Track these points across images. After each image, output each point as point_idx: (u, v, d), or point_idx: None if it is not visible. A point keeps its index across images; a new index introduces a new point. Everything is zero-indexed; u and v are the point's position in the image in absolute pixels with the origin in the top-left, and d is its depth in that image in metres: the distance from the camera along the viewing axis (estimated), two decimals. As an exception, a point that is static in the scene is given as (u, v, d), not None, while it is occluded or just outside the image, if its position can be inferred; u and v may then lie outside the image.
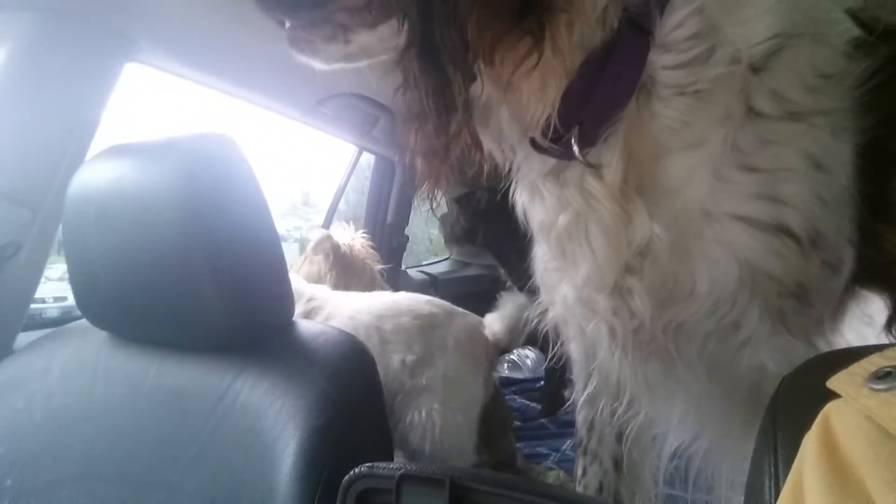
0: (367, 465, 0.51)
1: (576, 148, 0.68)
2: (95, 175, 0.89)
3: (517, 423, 2.17)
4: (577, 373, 1.02)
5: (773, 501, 0.46)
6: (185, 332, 0.88)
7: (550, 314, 0.88)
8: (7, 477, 0.89)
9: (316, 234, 1.94)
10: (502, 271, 2.68)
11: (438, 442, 1.37)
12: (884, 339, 0.73)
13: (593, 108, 0.66)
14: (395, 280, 2.51)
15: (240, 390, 0.79)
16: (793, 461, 0.42)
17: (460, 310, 1.61)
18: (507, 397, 2.34)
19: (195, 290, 0.83)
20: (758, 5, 0.65)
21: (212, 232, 0.83)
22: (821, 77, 0.66)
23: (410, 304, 1.53)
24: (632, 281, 0.72)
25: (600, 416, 1.00)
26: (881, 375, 0.38)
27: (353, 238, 2.02)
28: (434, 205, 0.83)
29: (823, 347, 0.73)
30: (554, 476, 1.68)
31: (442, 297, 2.44)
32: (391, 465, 0.50)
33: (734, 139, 0.65)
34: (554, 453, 1.94)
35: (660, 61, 0.65)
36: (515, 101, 0.68)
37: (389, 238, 2.45)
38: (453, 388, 1.43)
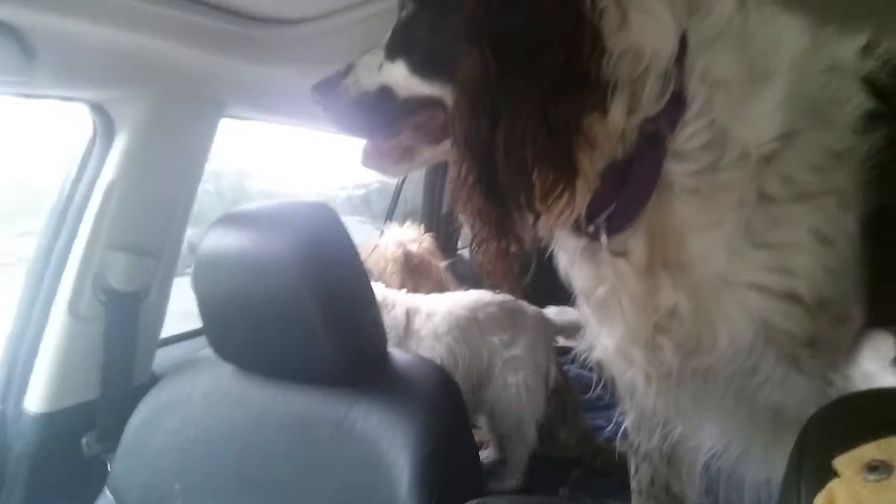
0: (477, 500, 0.68)
1: (604, 240, 0.80)
2: (224, 240, 1.06)
3: (576, 394, 2.34)
4: (620, 398, 1.16)
5: None
6: (301, 367, 1.07)
7: (594, 354, 1.00)
8: (176, 482, 1.11)
9: (388, 243, 2.12)
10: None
11: (528, 398, 1.74)
12: (890, 373, 0.83)
13: (619, 206, 0.77)
14: (451, 265, 2.68)
15: (355, 420, 0.98)
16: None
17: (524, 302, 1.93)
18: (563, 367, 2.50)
19: (309, 332, 1.01)
20: (765, 106, 0.72)
21: (320, 285, 1.00)
22: (830, 156, 0.73)
23: (491, 297, 1.85)
24: (661, 338, 0.83)
25: (647, 422, 1.15)
26: (872, 468, 0.43)
27: (419, 243, 2.19)
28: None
29: (839, 381, 0.81)
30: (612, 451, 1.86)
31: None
32: (497, 502, 0.68)
33: (747, 221, 0.74)
34: (610, 424, 2.10)
35: (676, 169, 0.75)
36: (553, 216, 0.76)
37: (445, 226, 2.62)
38: (534, 357, 1.79)
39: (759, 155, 0.72)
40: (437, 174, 2.59)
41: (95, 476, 1.20)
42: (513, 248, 0.80)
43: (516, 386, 1.74)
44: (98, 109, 1.25)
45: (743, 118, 0.73)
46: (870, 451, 0.46)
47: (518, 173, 0.71)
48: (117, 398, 1.28)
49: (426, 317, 1.79)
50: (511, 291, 0.89)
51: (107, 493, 1.15)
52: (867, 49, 0.78)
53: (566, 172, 0.71)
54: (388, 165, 0.93)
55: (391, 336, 1.74)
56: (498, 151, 0.71)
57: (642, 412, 1.09)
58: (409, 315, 1.79)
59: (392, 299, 1.82)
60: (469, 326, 1.77)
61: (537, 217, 0.74)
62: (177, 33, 1.12)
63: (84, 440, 1.25)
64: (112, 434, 1.21)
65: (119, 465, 1.17)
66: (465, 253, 3.13)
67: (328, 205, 1.07)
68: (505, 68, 0.70)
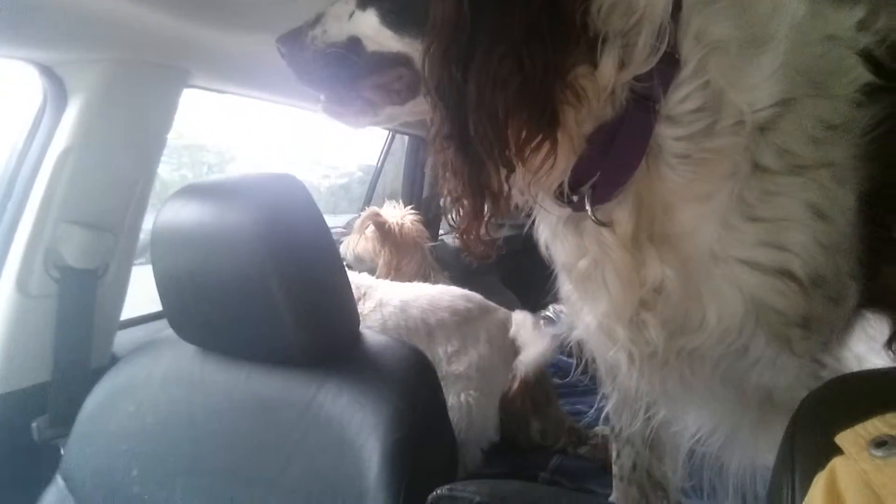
0: (447, 487, 0.64)
1: (588, 208, 0.76)
2: (181, 213, 1.00)
3: (555, 380, 2.31)
4: (602, 380, 1.12)
5: None
6: (266, 348, 1.01)
7: (575, 333, 0.97)
8: (133, 468, 1.06)
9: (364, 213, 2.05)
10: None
11: (471, 423, 1.57)
12: (884, 356, 0.81)
13: (605, 173, 0.73)
14: (433, 249, 2.64)
15: (322, 402, 0.93)
16: (809, 482, 0.47)
17: (492, 305, 1.79)
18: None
19: (273, 311, 0.95)
20: (762, 71, 0.69)
21: (286, 261, 0.95)
22: (827, 128, 0.70)
23: (450, 300, 1.71)
24: (646, 315, 0.79)
25: (630, 405, 1.11)
26: (879, 443, 0.42)
27: (402, 216, 2.12)
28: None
29: (831, 363, 0.80)
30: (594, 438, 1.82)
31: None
32: (469, 489, 0.63)
33: (740, 193, 0.71)
34: (591, 410, 2.07)
35: (667, 133, 0.71)
36: (531, 171, 0.73)
37: (426, 211, 2.56)
38: (485, 377, 1.62)
39: (754, 122, 0.69)
40: (416, 158, 2.53)
41: (47, 462, 1.13)
42: (488, 208, 0.75)
43: (459, 408, 1.58)
44: (47, 72, 1.17)
45: (739, 82, 0.69)
46: (876, 426, 0.44)
47: (490, 123, 0.66)
48: (72, 380, 1.21)
49: (377, 304, 1.69)
50: (484, 258, 0.83)
51: (59, 479, 1.09)
52: (864, 23, 0.75)
53: (545, 123, 0.67)
54: (349, 116, 0.88)
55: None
56: (469, 100, 0.66)
57: (625, 394, 1.05)
58: (362, 299, 1.69)
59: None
60: (417, 329, 1.65)
61: (511, 171, 0.70)
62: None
63: (35, 424, 1.18)
64: (65, 418, 1.14)
65: (72, 451, 1.11)
66: (447, 239, 3.08)
67: (294, 176, 1.00)
68: (479, 9, 0.66)
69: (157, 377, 1.12)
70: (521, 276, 1.74)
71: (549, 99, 0.67)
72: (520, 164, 0.69)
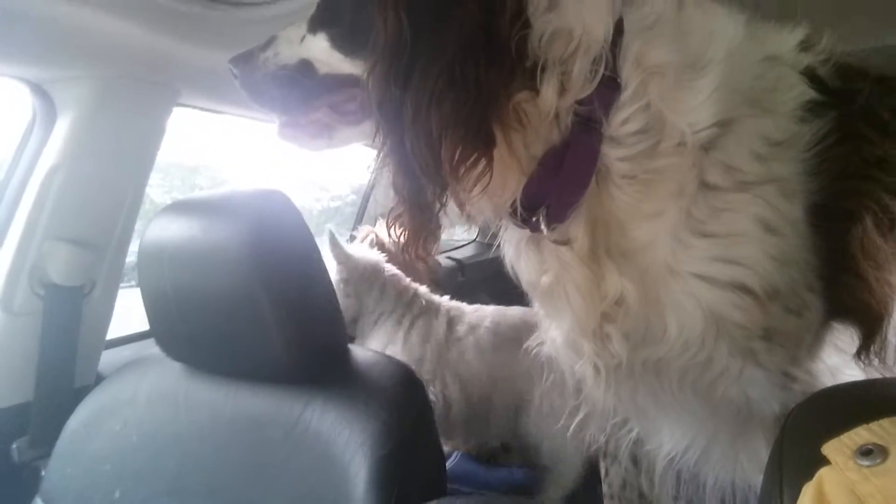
0: (435, 501, 0.63)
1: (544, 228, 0.77)
2: (168, 229, 1.00)
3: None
4: (571, 394, 1.11)
5: None
6: (253, 365, 1.00)
7: (545, 348, 0.98)
8: (116, 489, 1.03)
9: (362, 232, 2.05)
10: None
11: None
12: (853, 366, 0.81)
13: (557, 193, 0.75)
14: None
15: (310, 420, 0.92)
16: (797, 493, 0.47)
17: None
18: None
19: (260, 328, 0.95)
20: (700, 93, 0.71)
21: (273, 277, 0.94)
22: (771, 145, 0.72)
23: (515, 311, 1.75)
24: (609, 328, 0.81)
25: (597, 419, 1.10)
26: (865, 452, 0.43)
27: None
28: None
29: (802, 376, 0.81)
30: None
31: (469, 281, 2.56)
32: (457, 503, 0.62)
33: (689, 210, 0.73)
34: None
35: (612, 154, 0.73)
36: (465, 190, 0.73)
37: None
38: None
39: (696, 142, 0.71)
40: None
41: (27, 484, 1.10)
42: (428, 226, 0.76)
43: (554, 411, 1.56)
44: (37, 90, 1.17)
45: (678, 105, 0.72)
46: (862, 434, 0.45)
47: (425, 140, 0.68)
48: (55, 400, 1.19)
49: (469, 327, 1.70)
50: (425, 277, 0.84)
51: (38, 502, 1.06)
52: (805, 43, 0.78)
53: (479, 141, 0.68)
54: (304, 139, 0.89)
55: (431, 344, 1.66)
56: (406, 116, 0.68)
57: (593, 407, 1.06)
58: (452, 322, 1.70)
59: (436, 304, 1.74)
60: (512, 347, 1.64)
61: (443, 189, 0.71)
62: (125, 9, 1.05)
63: (15, 445, 1.15)
64: (47, 439, 1.12)
65: (54, 472, 1.08)
66: (441, 258, 3.08)
67: (281, 191, 1.00)
68: (419, 31, 0.68)
69: (142, 395, 1.10)
70: (510, 296, 1.76)
71: (484, 117, 0.68)
72: (454, 182, 0.70)
